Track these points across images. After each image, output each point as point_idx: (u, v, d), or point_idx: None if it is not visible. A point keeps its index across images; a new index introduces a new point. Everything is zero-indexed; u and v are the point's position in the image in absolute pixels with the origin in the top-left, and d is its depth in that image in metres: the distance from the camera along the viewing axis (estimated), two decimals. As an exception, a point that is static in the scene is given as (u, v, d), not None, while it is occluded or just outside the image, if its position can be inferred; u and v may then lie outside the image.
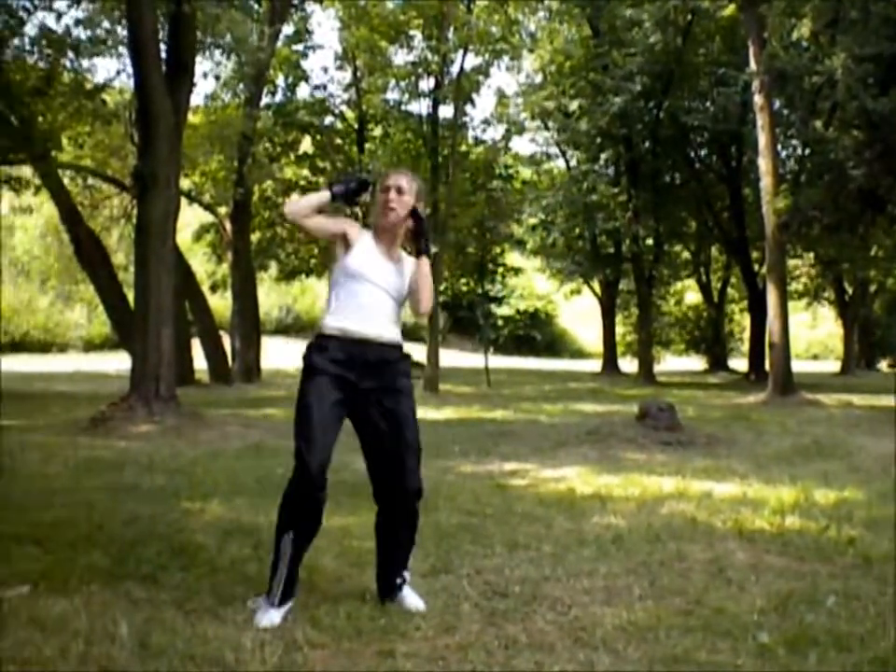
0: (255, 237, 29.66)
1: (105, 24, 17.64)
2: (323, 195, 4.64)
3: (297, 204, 4.64)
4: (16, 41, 17.14)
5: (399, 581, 4.65)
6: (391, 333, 4.62)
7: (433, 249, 4.50)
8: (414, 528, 4.71)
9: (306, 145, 32.15)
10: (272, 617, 4.28)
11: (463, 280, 35.98)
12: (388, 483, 4.59)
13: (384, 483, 4.61)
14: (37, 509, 6.65)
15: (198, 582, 4.81)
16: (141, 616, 4.22)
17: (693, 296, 44.58)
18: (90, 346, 43.37)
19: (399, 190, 4.64)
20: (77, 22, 17.33)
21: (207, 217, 30.49)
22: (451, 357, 38.35)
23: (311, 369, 4.62)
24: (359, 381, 4.52)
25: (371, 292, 4.57)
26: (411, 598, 4.61)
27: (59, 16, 18.02)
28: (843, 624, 4.26)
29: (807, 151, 26.15)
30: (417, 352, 34.13)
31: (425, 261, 4.64)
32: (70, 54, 17.19)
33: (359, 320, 4.54)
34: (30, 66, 17.70)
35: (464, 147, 29.53)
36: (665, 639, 4.03)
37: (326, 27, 79.38)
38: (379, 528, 4.72)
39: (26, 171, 21.29)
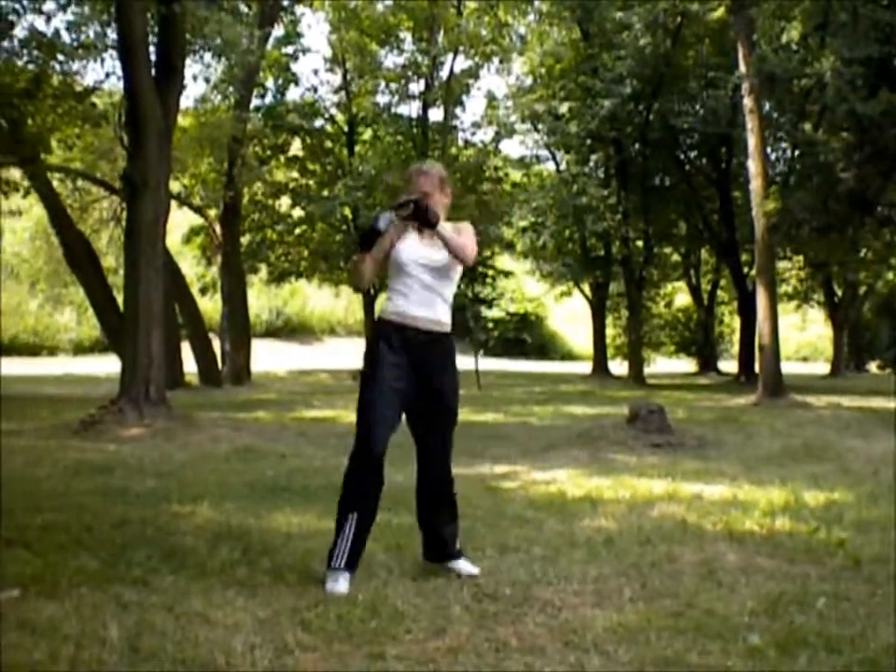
0: (245, 240, 29.67)
1: (95, 26, 17.62)
2: (366, 258, 5.12)
3: (364, 279, 5.32)
4: (5, 43, 17.10)
5: (457, 547, 5.26)
6: (438, 314, 5.07)
7: (436, 220, 4.92)
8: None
9: (296, 147, 32.17)
10: (340, 585, 4.77)
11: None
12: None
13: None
14: (26, 512, 6.62)
15: (188, 586, 4.79)
16: (131, 619, 4.20)
17: (682, 298, 44.60)
18: (79, 349, 43.22)
19: (426, 195, 5.03)
20: (67, 25, 17.30)
21: (197, 220, 30.46)
22: (441, 360, 38.30)
23: (375, 354, 5.07)
24: (413, 360, 5.01)
25: (415, 279, 5.04)
26: (464, 565, 5.20)
27: (48, 18, 17.95)
28: (833, 626, 4.26)
29: (797, 154, 26.25)
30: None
31: (438, 230, 4.94)
32: (59, 57, 17.13)
33: (410, 305, 5.02)
34: (19, 69, 17.63)
35: (454, 150, 29.63)
36: (656, 641, 4.03)
37: (316, 30, 79.39)
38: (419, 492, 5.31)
39: (15, 173, 21.22)
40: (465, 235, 5.06)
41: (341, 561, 4.85)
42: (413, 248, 5.05)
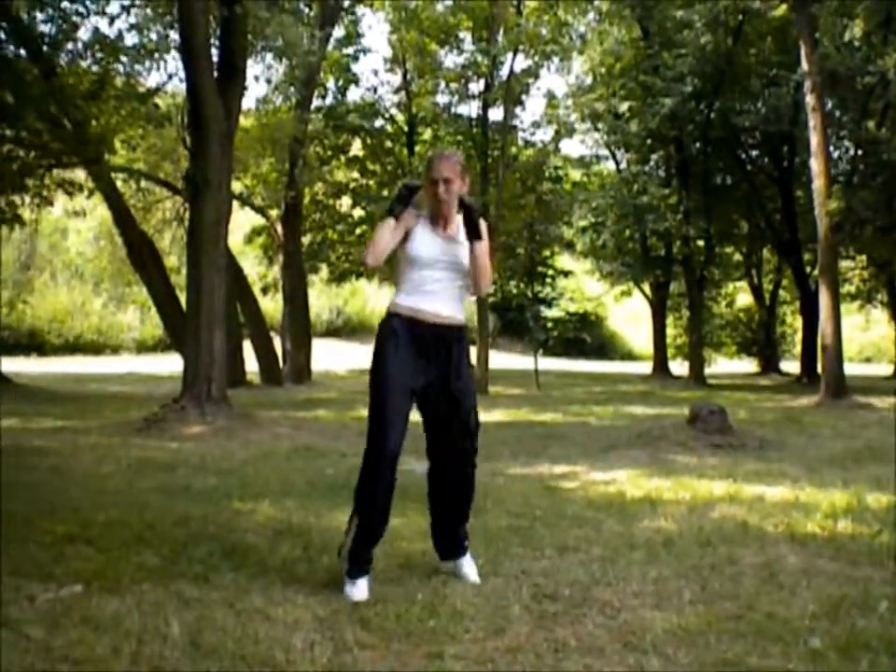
0: (306, 239, 29.81)
1: (158, 28, 17.81)
2: (388, 225, 4.83)
3: (375, 253, 4.82)
4: (69, 46, 17.33)
5: (466, 542, 5.09)
6: (453, 309, 4.90)
7: (483, 227, 4.85)
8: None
9: (357, 147, 32.29)
10: (355, 590, 4.64)
11: (513, 282, 36.11)
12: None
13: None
14: (90, 509, 6.70)
15: (249, 583, 4.83)
16: (192, 616, 4.24)
17: (744, 298, 44.22)
18: (142, 348, 43.67)
19: (447, 181, 4.84)
20: (130, 27, 17.50)
21: (259, 220, 30.68)
22: (500, 360, 38.31)
23: (385, 351, 4.84)
24: (427, 357, 4.82)
25: (434, 275, 4.86)
26: (469, 567, 5.04)
27: (111, 20, 18.11)
28: (895, 630, 4.22)
29: (860, 152, 25.93)
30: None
31: (478, 245, 4.83)
32: (123, 59, 17.33)
33: (426, 301, 4.82)
34: (83, 70, 17.86)
35: (513, 150, 29.54)
36: (716, 644, 4.00)
37: (376, 30, 79.62)
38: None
39: (79, 174, 21.50)
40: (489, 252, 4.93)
41: (354, 566, 4.78)
42: (429, 243, 4.87)
